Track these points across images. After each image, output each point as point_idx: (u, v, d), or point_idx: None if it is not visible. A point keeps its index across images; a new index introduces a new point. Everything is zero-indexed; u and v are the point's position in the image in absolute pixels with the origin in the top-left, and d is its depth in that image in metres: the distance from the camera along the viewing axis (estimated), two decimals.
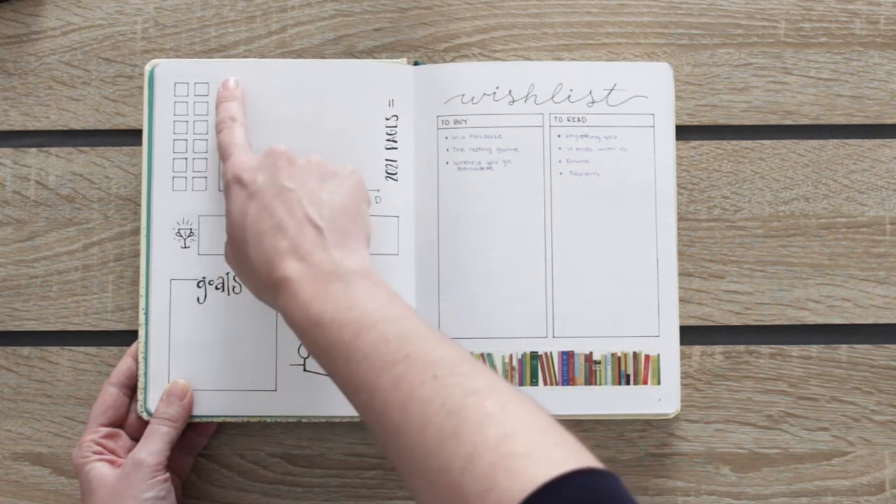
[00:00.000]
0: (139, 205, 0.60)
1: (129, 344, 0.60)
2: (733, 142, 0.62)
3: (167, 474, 0.55)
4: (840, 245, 0.61)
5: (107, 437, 0.56)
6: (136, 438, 0.57)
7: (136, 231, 0.61)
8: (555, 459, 0.38)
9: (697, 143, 0.62)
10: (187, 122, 0.59)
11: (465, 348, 0.46)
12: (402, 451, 0.42)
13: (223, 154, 0.55)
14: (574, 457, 0.39)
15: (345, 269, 0.49)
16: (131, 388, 0.58)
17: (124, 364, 0.58)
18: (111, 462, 0.55)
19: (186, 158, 0.59)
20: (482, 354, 0.59)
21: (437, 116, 0.60)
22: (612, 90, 0.60)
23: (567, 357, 0.59)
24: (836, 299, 0.61)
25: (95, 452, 0.55)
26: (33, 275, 0.61)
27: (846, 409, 0.61)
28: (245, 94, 0.58)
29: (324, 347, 0.47)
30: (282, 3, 0.63)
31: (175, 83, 0.59)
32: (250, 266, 0.51)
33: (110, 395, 0.57)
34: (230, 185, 0.53)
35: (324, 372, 0.48)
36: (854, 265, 0.61)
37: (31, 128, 0.62)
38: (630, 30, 0.62)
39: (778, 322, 0.61)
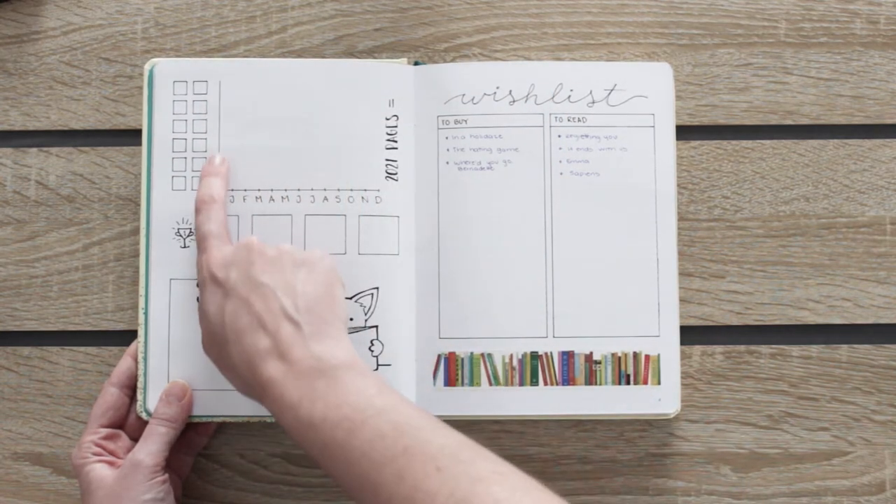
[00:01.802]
0: (139, 205, 0.60)
1: (129, 344, 0.60)
2: (733, 142, 0.62)
3: (166, 475, 0.55)
4: (840, 245, 0.61)
5: (106, 437, 0.56)
6: (136, 439, 0.56)
7: (136, 231, 0.61)
8: None
9: (698, 143, 0.62)
10: (186, 120, 0.59)
11: (460, 433, 0.45)
12: None
13: (199, 245, 0.54)
14: None
15: (328, 364, 0.48)
16: (132, 389, 0.58)
17: (124, 364, 0.58)
18: (111, 463, 0.55)
19: (186, 157, 0.59)
20: (482, 354, 0.59)
21: (438, 116, 0.60)
22: (612, 90, 0.60)
23: (567, 357, 0.59)
24: (836, 299, 0.61)
25: (95, 453, 0.55)
26: (33, 275, 0.61)
27: (846, 409, 0.61)
28: (229, 169, 0.58)
29: (319, 448, 0.46)
30: (282, 3, 0.63)
31: (174, 82, 0.59)
32: (233, 365, 0.50)
33: (111, 395, 0.57)
34: (206, 282, 0.52)
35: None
36: (854, 265, 0.61)
37: (31, 128, 0.62)
38: (630, 30, 0.62)
39: (778, 322, 0.61)
